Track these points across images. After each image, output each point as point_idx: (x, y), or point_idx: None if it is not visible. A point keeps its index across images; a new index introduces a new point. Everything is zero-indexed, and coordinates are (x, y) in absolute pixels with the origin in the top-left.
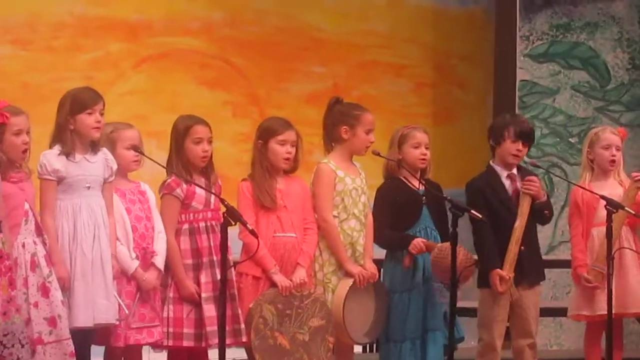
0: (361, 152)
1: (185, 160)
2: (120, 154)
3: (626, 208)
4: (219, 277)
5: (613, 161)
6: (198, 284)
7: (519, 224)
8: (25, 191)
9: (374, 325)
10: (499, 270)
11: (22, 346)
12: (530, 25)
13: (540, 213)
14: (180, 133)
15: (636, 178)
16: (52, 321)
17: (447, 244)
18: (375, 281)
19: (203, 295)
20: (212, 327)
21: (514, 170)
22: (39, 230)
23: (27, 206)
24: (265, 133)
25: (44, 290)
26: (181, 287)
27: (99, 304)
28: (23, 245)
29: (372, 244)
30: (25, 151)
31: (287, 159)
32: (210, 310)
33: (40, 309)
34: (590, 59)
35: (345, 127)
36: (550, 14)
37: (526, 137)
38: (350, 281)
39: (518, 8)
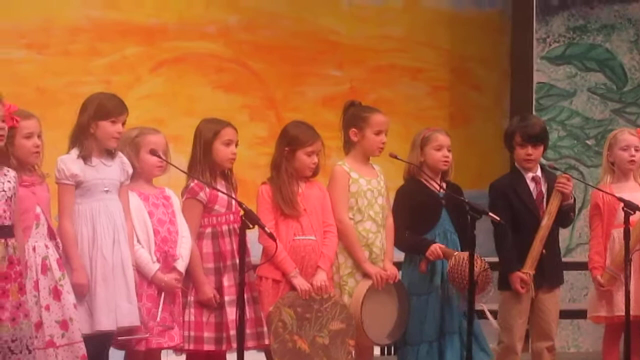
0: (373, 153)
1: (211, 163)
2: (144, 158)
3: None
4: None
5: (632, 161)
6: (221, 287)
7: (546, 223)
8: (37, 195)
9: (396, 326)
10: (519, 273)
11: (30, 352)
12: (547, 28)
13: (566, 214)
14: (210, 136)
15: None
16: (64, 324)
17: (465, 254)
18: (395, 282)
19: (226, 298)
20: (234, 330)
21: (538, 172)
22: (52, 234)
23: (38, 210)
24: (294, 142)
25: (56, 293)
26: (200, 291)
27: (121, 307)
28: (34, 249)
29: (393, 246)
30: (36, 154)
31: (312, 168)
32: (233, 314)
33: (51, 312)
34: (606, 61)
35: (354, 129)
36: (566, 16)
37: (534, 139)
38: (368, 282)
39: (534, 10)
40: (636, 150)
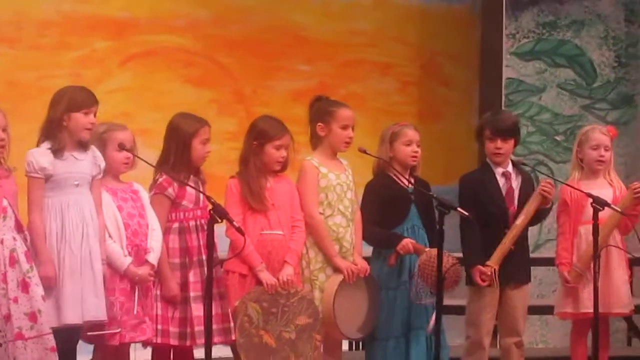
0: (340, 148)
1: (187, 160)
2: (111, 155)
3: (612, 206)
4: None
5: (601, 161)
6: (186, 282)
7: (521, 223)
8: (3, 188)
9: (367, 320)
10: (479, 266)
11: (0, 345)
12: (517, 23)
13: (541, 217)
14: (189, 132)
15: (635, 190)
16: (32, 316)
17: (435, 251)
18: (366, 275)
19: (192, 294)
20: (199, 327)
21: (509, 168)
22: (20, 227)
23: (5, 202)
24: (262, 136)
25: (24, 286)
26: (165, 287)
27: (88, 302)
28: (1, 242)
29: (361, 240)
30: (0, 147)
31: (281, 162)
32: (198, 309)
33: (20, 304)
34: (576, 57)
35: (320, 123)
36: (536, 11)
37: (502, 133)
38: (340, 277)
39: (504, 6)
40: (606, 150)
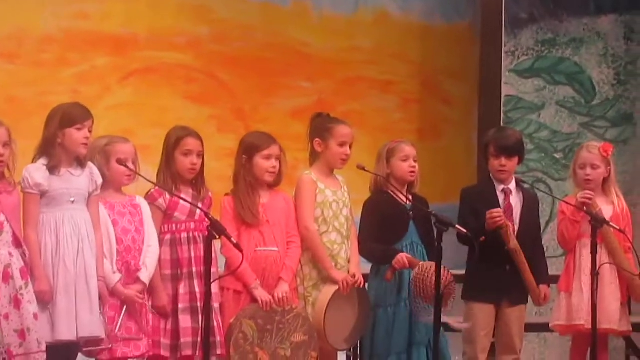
0: (336, 164)
1: (173, 171)
2: (114, 167)
3: (611, 223)
4: (197, 289)
5: (587, 180)
6: (176, 294)
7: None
8: (1, 203)
9: (353, 332)
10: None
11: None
12: (516, 41)
13: None
14: (171, 144)
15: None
16: (21, 334)
17: (430, 264)
18: (360, 286)
19: (180, 306)
20: (186, 339)
21: (511, 185)
22: (17, 243)
23: (2, 217)
24: (250, 148)
25: (16, 302)
26: (155, 297)
27: (82, 318)
28: None
29: (357, 253)
30: None
31: (272, 172)
32: (185, 321)
33: (10, 321)
34: (575, 75)
35: (318, 139)
36: (535, 29)
37: (508, 151)
38: (334, 287)
39: (503, 23)
40: (593, 168)
